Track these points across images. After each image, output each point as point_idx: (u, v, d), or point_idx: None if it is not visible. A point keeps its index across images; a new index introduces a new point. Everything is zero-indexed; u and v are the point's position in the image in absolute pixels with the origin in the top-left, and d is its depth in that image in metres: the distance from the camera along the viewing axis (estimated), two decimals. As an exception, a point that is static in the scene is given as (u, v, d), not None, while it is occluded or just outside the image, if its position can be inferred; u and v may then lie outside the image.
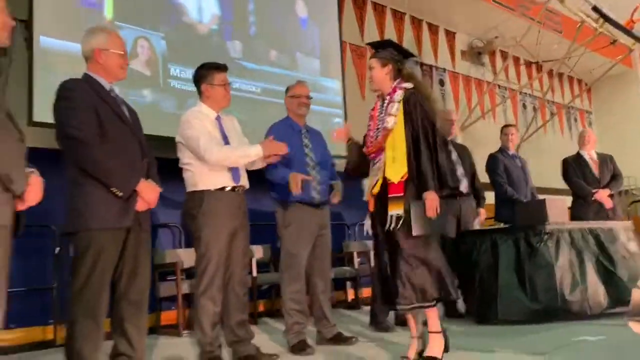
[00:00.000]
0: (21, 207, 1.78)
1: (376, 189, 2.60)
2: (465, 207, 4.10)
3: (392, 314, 3.71)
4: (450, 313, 4.04)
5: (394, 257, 2.52)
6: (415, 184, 2.51)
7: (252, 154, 2.67)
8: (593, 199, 4.85)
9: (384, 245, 2.60)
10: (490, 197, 4.64)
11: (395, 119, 2.59)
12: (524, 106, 9.50)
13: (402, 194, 2.51)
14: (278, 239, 3.13)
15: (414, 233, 2.45)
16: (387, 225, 2.49)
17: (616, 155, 5.23)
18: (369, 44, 2.91)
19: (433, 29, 8.04)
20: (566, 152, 5.30)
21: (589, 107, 11.13)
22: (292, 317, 2.99)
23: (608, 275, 3.61)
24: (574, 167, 5.00)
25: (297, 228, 3.03)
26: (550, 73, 9.41)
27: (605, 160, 5.06)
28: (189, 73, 3.64)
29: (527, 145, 8.19)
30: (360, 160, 2.78)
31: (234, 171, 2.72)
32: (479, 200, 4.30)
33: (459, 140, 4.78)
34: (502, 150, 4.66)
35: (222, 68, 2.78)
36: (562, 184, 5.42)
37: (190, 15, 4.89)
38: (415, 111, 2.56)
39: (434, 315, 2.54)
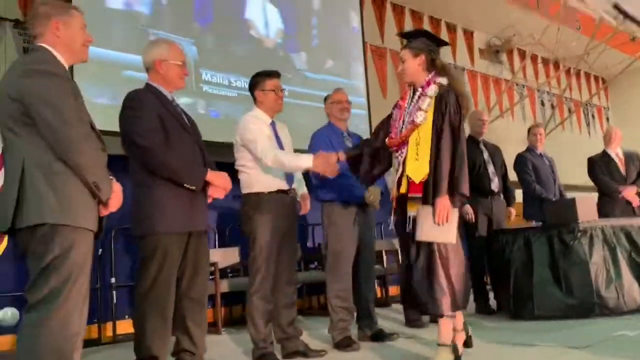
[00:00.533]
0: (104, 212, 1.91)
1: (403, 189, 2.54)
2: (496, 206, 4.22)
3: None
4: (481, 310, 4.15)
5: (417, 258, 2.47)
6: (427, 184, 2.45)
7: (302, 165, 2.77)
8: (620, 196, 4.93)
9: (407, 245, 2.54)
10: (518, 195, 4.74)
11: (425, 115, 2.52)
12: (542, 103, 9.55)
13: (421, 195, 2.46)
14: (325, 237, 3.24)
15: (417, 238, 2.42)
16: (407, 227, 2.47)
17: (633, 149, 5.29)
18: (399, 34, 2.87)
19: (451, 28, 8.13)
20: (584, 149, 5.39)
21: (606, 103, 11.16)
22: (337, 314, 3.10)
23: (640, 271, 3.70)
24: (600, 165, 5.08)
25: (342, 227, 3.15)
26: (568, 71, 9.46)
27: (631, 157, 5.14)
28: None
29: (546, 142, 8.24)
30: (371, 161, 2.73)
31: (288, 175, 2.85)
32: (510, 199, 4.40)
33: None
34: (530, 149, 4.75)
35: (273, 75, 2.91)
36: (581, 181, 5.48)
37: (258, 30, 5.13)
38: (446, 111, 2.49)
39: (448, 325, 2.48)
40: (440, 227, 2.40)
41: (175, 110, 2.43)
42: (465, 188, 2.45)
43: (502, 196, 4.35)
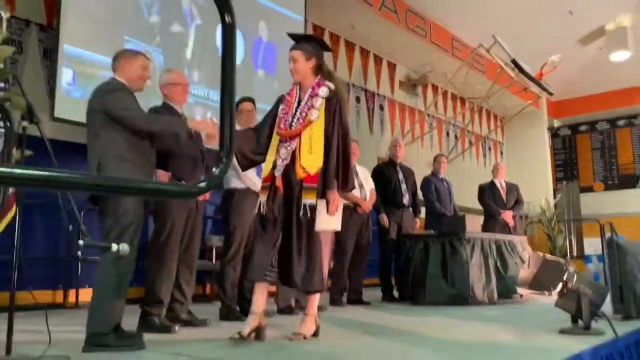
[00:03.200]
0: None
1: (299, 175, 2.86)
2: (406, 216, 5.47)
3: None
4: (387, 298, 5.37)
5: (300, 242, 2.83)
6: (321, 179, 2.83)
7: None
8: (500, 217, 6.41)
9: (283, 228, 2.87)
10: (422, 209, 6.05)
11: (318, 113, 2.88)
12: (447, 134, 11.18)
13: (316, 185, 2.83)
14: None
15: (317, 228, 2.82)
16: (301, 213, 2.81)
17: (520, 182, 6.88)
18: (290, 34, 3.08)
19: (378, 60, 9.46)
20: (480, 176, 6.87)
21: (501, 138, 13.11)
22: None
23: (501, 275, 5.09)
24: (487, 192, 6.56)
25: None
26: (472, 107, 11.19)
27: (512, 188, 6.67)
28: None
29: (448, 168, 9.80)
30: (255, 148, 2.99)
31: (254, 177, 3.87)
32: (416, 211, 5.68)
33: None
34: (434, 174, 6.09)
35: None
36: (475, 204, 6.96)
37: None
38: (336, 112, 2.91)
39: (316, 299, 2.97)
40: (332, 217, 2.85)
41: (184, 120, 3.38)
42: (349, 185, 2.95)
43: (410, 209, 5.62)
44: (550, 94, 10.27)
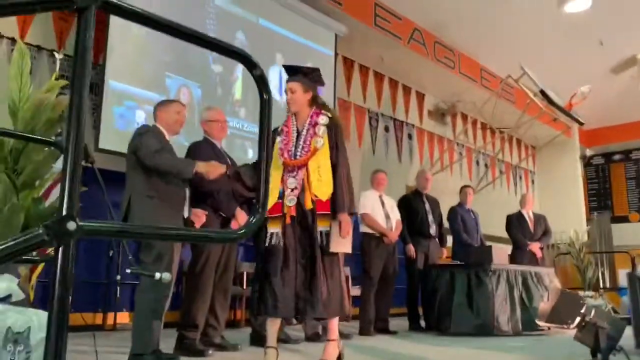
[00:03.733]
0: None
1: (308, 205, 2.89)
2: (432, 246, 5.60)
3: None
4: (414, 327, 5.48)
5: (314, 271, 2.84)
6: (333, 203, 2.88)
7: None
8: (528, 249, 6.47)
9: (299, 258, 2.89)
10: (449, 239, 6.16)
11: (322, 141, 2.96)
12: (477, 163, 11.25)
13: (329, 212, 2.87)
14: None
15: (333, 249, 2.86)
16: (319, 240, 2.85)
17: (552, 212, 6.92)
18: (287, 67, 3.20)
19: (407, 90, 9.67)
20: (511, 206, 6.93)
21: (532, 167, 13.08)
22: None
23: (525, 307, 5.14)
24: (515, 223, 6.63)
25: None
26: (502, 136, 11.25)
27: (539, 219, 6.73)
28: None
29: (477, 197, 9.87)
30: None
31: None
32: (443, 242, 5.80)
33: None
34: (461, 204, 6.21)
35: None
36: (504, 233, 7.03)
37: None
38: (338, 138, 3.01)
39: (336, 324, 3.01)
40: (344, 239, 2.89)
41: (221, 154, 3.63)
42: (353, 207, 3.00)
43: (437, 239, 5.74)
44: (581, 124, 10.28)
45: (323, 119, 3.01)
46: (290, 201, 2.93)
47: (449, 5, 7.80)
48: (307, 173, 2.92)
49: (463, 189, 6.35)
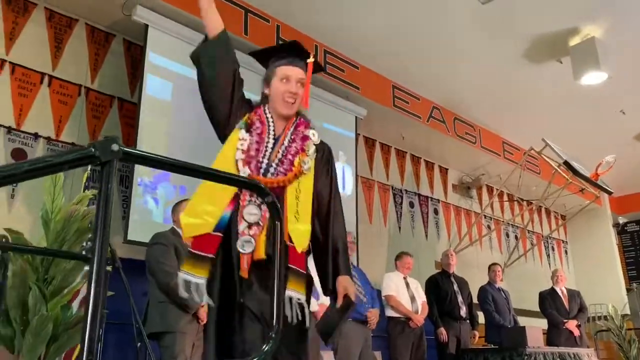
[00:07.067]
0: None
1: (260, 252, 1.90)
2: (464, 329, 5.45)
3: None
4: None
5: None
6: (325, 261, 2.00)
7: None
8: (564, 327, 6.23)
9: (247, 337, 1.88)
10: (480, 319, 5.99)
11: (310, 164, 2.10)
12: (507, 235, 11.08)
13: (304, 271, 1.93)
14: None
15: (330, 342, 2.08)
16: (291, 314, 1.84)
17: (589, 283, 6.71)
18: (287, 44, 2.40)
19: (429, 165, 9.75)
20: (544, 278, 6.74)
21: (565, 237, 12.79)
22: None
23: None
24: (549, 300, 6.44)
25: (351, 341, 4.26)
26: (530, 207, 11.13)
27: (573, 295, 6.53)
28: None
29: (509, 270, 9.65)
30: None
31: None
32: (474, 323, 5.65)
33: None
34: (490, 283, 6.09)
35: None
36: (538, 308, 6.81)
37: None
38: (331, 167, 2.21)
39: None
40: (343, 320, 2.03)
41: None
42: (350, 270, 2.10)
43: (468, 321, 5.59)
44: (609, 193, 10.12)
45: (313, 135, 2.18)
46: (245, 245, 1.91)
47: (466, 84, 7.99)
48: (284, 202, 1.95)
49: (491, 267, 6.25)
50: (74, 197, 2.91)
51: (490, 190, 10.68)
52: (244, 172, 1.94)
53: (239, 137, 2.07)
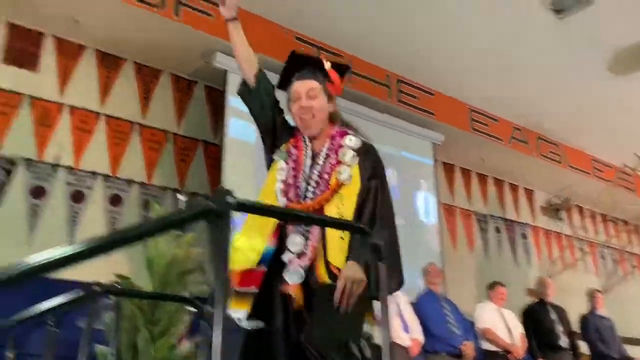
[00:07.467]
0: None
1: (323, 277, 1.80)
2: (565, 360, 5.14)
3: None
4: None
5: None
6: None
7: None
8: (680, 357, 5.73)
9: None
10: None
11: (350, 172, 1.93)
12: (603, 258, 10.41)
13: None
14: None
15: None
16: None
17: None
18: (295, 56, 2.17)
19: (514, 188, 9.40)
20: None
21: (668, 257, 11.85)
22: None
23: None
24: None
25: None
26: (627, 228, 10.43)
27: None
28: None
29: (611, 296, 9.02)
30: None
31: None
32: (577, 355, 5.31)
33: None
34: (592, 311, 5.73)
35: None
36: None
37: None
38: (378, 170, 2.00)
39: None
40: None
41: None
42: (400, 281, 1.93)
43: (570, 351, 5.27)
44: None
45: (350, 140, 2.01)
46: (293, 275, 1.81)
47: (547, 102, 7.70)
48: (321, 227, 1.82)
49: (591, 293, 5.88)
50: (171, 239, 3.01)
51: (580, 210, 10.13)
52: (282, 202, 1.86)
53: (278, 168, 2.03)
